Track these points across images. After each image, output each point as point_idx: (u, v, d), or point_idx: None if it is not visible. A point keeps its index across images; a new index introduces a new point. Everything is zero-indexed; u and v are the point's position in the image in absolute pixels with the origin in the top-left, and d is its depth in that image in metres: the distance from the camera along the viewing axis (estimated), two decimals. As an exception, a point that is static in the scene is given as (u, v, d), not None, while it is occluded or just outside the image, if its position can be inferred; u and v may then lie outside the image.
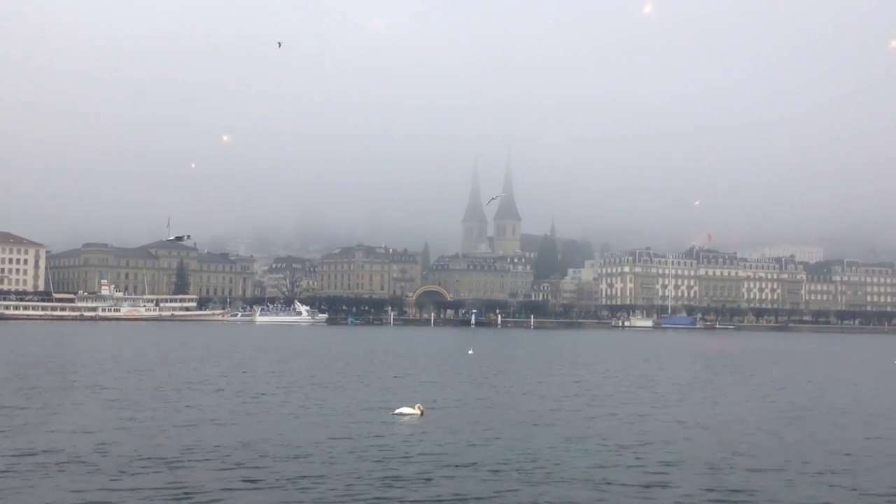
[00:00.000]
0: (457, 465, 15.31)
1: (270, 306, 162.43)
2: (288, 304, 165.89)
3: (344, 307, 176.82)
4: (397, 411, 21.65)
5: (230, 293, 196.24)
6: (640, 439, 18.87)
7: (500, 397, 27.77)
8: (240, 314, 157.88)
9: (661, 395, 29.95)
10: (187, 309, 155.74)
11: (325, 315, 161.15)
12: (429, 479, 14.08)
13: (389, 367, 40.75)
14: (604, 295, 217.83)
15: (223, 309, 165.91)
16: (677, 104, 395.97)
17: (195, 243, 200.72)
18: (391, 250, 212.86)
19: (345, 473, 14.33)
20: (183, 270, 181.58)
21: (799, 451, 18.06)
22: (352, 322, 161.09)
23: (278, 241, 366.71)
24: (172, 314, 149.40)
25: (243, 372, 35.54)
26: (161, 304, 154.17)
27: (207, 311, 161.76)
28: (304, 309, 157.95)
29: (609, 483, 14.15)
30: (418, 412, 21.43)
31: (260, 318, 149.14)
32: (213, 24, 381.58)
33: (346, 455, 16.04)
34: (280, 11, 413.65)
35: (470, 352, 51.69)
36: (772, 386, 35.24)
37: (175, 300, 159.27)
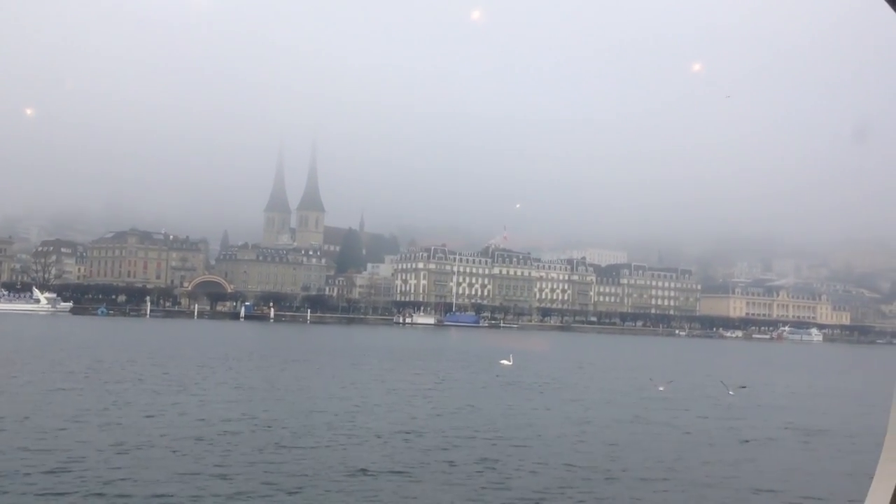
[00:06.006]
0: None
1: (4, 293, 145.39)
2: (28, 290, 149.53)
3: (100, 296, 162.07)
4: None
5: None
6: None
7: None
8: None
9: None
10: None
11: (70, 304, 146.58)
12: None
13: None
14: (399, 291, 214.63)
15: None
16: (509, 112, 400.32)
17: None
18: (171, 237, 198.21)
19: None
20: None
21: None
22: (102, 313, 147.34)
23: (79, 226, 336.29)
24: None
25: None
26: None
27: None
28: (42, 297, 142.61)
29: None
30: None
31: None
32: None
33: None
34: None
35: None
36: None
37: None
